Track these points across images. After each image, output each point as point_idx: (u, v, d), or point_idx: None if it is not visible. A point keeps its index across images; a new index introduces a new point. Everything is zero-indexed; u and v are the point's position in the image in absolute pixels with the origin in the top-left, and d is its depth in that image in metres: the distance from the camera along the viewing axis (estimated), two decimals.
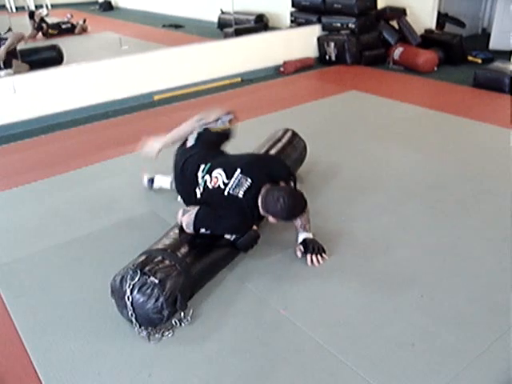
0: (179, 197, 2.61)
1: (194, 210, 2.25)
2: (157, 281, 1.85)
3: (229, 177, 2.31)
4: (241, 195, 2.25)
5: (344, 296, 2.13)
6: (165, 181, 2.99)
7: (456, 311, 2.02)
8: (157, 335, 1.90)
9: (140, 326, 1.90)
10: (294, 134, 3.13)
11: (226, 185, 2.29)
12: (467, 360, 1.78)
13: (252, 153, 2.83)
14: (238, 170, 2.32)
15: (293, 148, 3.04)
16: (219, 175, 2.34)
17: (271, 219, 2.26)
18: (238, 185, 2.28)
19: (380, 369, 1.76)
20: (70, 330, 1.98)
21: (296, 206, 2.25)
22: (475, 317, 1.99)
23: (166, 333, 1.92)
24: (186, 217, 2.23)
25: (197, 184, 2.40)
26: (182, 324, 1.96)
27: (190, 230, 2.21)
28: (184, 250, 2.10)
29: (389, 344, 1.86)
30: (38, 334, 1.97)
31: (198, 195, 2.38)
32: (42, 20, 6.26)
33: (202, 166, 2.43)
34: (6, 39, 4.82)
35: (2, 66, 4.47)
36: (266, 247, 2.45)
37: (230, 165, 2.38)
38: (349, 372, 1.75)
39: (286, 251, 2.44)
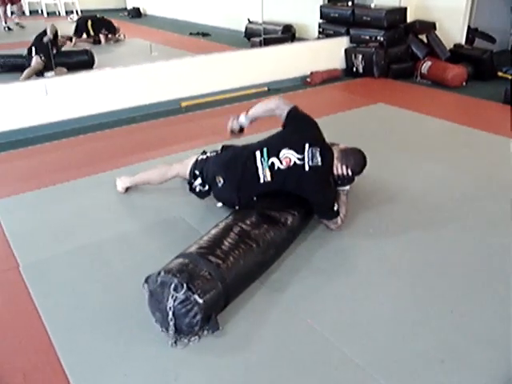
0: (219, 203, 2.68)
1: (339, 207, 2.59)
2: (200, 300, 1.84)
3: (300, 152, 2.48)
4: (320, 163, 2.47)
5: (372, 309, 2.11)
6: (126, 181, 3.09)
7: (487, 329, 1.98)
8: (184, 340, 1.90)
9: (175, 332, 1.90)
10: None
11: (301, 160, 2.46)
12: (498, 380, 1.75)
13: (293, 126, 2.71)
14: (307, 145, 2.49)
15: None
16: (290, 155, 2.48)
17: (345, 171, 2.56)
18: (313, 156, 2.47)
19: None
20: (98, 331, 1.99)
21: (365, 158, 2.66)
22: (506, 335, 1.95)
23: (193, 338, 1.91)
24: (339, 219, 2.60)
25: (256, 173, 2.51)
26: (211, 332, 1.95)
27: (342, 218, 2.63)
28: (224, 248, 2.11)
29: (418, 359, 1.84)
30: (67, 333, 1.98)
31: (267, 179, 2.50)
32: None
33: (258, 153, 2.53)
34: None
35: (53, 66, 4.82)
36: (294, 259, 2.44)
37: (293, 142, 2.52)
38: None
39: (313, 263, 2.42)
